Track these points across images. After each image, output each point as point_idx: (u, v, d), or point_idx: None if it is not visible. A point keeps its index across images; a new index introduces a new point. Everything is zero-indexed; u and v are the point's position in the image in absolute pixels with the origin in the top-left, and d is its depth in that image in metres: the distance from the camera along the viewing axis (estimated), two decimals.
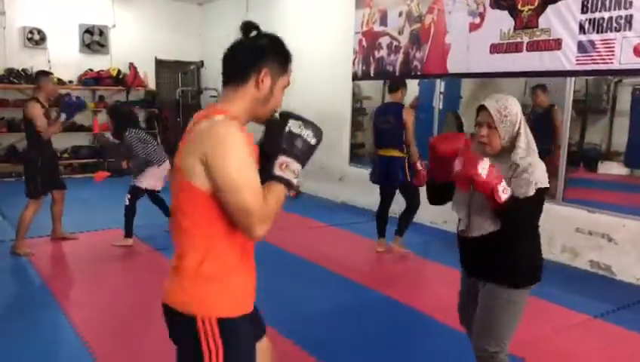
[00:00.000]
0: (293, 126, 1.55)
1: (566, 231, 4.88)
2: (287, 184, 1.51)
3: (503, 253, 2.15)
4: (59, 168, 5.45)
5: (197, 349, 1.52)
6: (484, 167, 1.94)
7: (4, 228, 5.63)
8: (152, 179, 5.19)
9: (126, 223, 5.10)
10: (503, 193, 1.97)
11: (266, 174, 1.51)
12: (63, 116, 4.83)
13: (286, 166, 1.51)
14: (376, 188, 6.88)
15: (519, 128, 2.12)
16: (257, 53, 1.56)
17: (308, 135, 1.56)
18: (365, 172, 7.24)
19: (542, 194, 2.08)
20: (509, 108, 2.10)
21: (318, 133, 1.59)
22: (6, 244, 5.01)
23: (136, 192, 5.15)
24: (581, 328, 3.63)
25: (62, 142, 8.59)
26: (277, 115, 1.62)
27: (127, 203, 5.09)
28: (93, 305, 3.83)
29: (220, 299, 1.55)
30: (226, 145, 1.42)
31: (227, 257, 1.55)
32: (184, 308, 1.55)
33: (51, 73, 5.14)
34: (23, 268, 4.54)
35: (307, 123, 1.58)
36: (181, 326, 1.58)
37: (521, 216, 2.08)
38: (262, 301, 4.10)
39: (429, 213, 5.89)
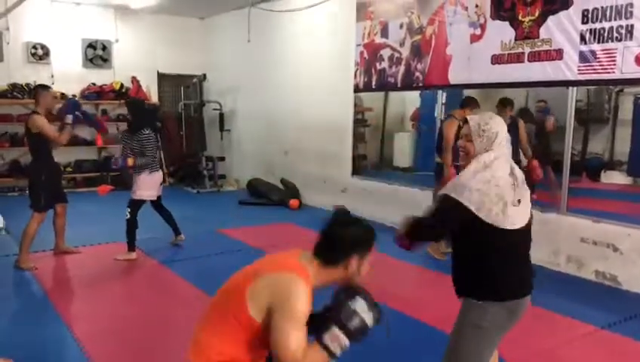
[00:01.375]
0: (359, 305, 1.83)
1: (571, 242, 4.86)
2: (331, 354, 1.78)
3: (458, 268, 2.25)
4: (62, 182, 5.45)
5: None
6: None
7: (8, 243, 5.62)
8: (146, 188, 5.19)
9: (128, 237, 5.10)
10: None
11: (315, 331, 1.80)
12: (70, 117, 4.82)
13: (336, 339, 1.78)
14: (379, 199, 6.87)
15: (494, 147, 2.15)
16: (351, 245, 1.87)
17: (368, 318, 1.83)
18: (367, 183, 7.26)
19: (447, 202, 2.10)
20: (489, 125, 2.16)
21: (378, 316, 1.86)
22: (10, 259, 5.00)
23: (134, 205, 5.15)
24: (588, 339, 3.60)
25: (65, 156, 8.61)
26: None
27: (128, 216, 5.09)
28: (96, 318, 3.81)
29: None
30: (292, 311, 1.73)
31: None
32: None
33: (50, 87, 5.14)
34: (26, 283, 4.53)
35: (372, 306, 1.85)
36: None
37: (463, 246, 2.20)
38: None
39: None
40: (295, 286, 1.76)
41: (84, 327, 3.59)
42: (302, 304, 1.74)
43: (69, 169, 9.10)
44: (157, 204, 5.47)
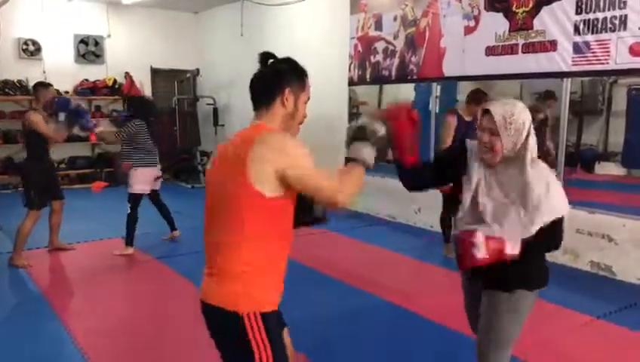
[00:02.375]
0: (362, 121, 1.89)
1: (566, 233, 4.81)
2: (363, 163, 1.81)
3: (516, 263, 2.02)
4: (58, 179, 5.42)
5: (246, 345, 1.66)
6: (480, 246, 1.90)
7: (1, 240, 5.59)
8: (138, 182, 5.18)
9: (127, 232, 5.10)
10: (513, 250, 1.94)
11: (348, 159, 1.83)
12: (62, 115, 4.77)
13: (360, 150, 1.82)
14: (374, 192, 6.88)
15: (527, 138, 2.00)
16: (279, 77, 1.79)
17: (377, 126, 1.86)
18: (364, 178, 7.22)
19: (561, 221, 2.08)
20: (515, 115, 1.98)
21: (385, 126, 1.88)
22: (3, 256, 4.97)
23: (133, 200, 5.14)
24: (584, 329, 3.61)
25: (59, 152, 8.56)
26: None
27: (129, 211, 5.09)
28: (92, 315, 3.79)
29: (261, 296, 1.71)
30: (295, 148, 1.68)
31: (270, 260, 1.74)
32: (229, 306, 1.68)
33: (50, 85, 5.09)
34: (20, 280, 4.51)
35: (376, 120, 1.89)
36: (227, 324, 1.70)
37: (548, 247, 2.14)
38: None
39: (429, 217, 5.89)
40: (277, 136, 1.70)
41: (80, 324, 3.57)
42: (297, 145, 1.69)
43: (62, 165, 9.05)
44: (154, 199, 5.46)
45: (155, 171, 5.36)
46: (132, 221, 5.11)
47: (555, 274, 4.62)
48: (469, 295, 2.41)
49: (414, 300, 4.03)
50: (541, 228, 2.02)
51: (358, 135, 1.85)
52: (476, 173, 2.11)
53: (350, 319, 3.73)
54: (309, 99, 1.86)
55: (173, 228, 5.62)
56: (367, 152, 1.83)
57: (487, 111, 2.03)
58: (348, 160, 1.83)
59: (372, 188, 6.93)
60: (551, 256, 5.15)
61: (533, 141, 2.02)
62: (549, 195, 1.99)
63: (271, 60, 1.85)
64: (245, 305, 1.67)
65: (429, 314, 3.71)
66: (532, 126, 2.04)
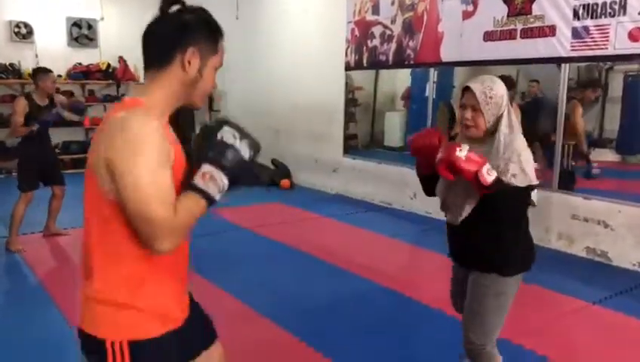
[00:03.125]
0: (226, 134, 1.35)
1: (562, 219, 4.88)
2: (207, 198, 1.31)
3: (491, 241, 2.11)
4: (58, 164, 5.36)
5: None
6: (462, 152, 1.89)
7: None
8: None
9: None
10: (488, 174, 1.89)
11: (186, 184, 1.33)
12: (36, 126, 4.68)
13: (210, 177, 1.31)
14: (370, 179, 6.87)
15: (503, 110, 2.06)
16: (182, 30, 1.34)
17: (242, 147, 1.36)
18: (359, 163, 7.23)
19: (530, 190, 2.05)
20: (494, 90, 2.05)
21: (254, 147, 1.39)
22: None
23: None
24: (580, 314, 3.63)
25: (52, 137, 8.44)
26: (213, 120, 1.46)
27: None
28: None
29: (133, 320, 1.35)
30: (136, 144, 1.21)
31: (140, 272, 1.34)
32: (92, 330, 1.36)
33: (50, 71, 4.99)
34: (16, 265, 4.48)
35: (244, 134, 1.38)
36: (91, 352, 1.39)
37: (507, 204, 2.03)
38: (258, 293, 4.09)
39: (424, 203, 5.88)
40: (135, 119, 1.24)
41: (76, 308, 3.55)
42: (152, 138, 1.23)
43: (56, 150, 8.94)
44: None
45: None
46: None
47: (551, 260, 4.68)
48: (456, 280, 2.44)
49: (411, 286, 4.04)
50: (513, 197, 2.02)
51: (216, 154, 1.34)
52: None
53: (347, 305, 3.73)
54: (220, 66, 1.43)
55: None
56: (218, 185, 1.32)
57: (467, 89, 2.10)
58: (190, 186, 1.32)
59: (370, 175, 6.93)
60: (545, 242, 5.19)
61: (509, 114, 2.08)
62: (520, 159, 2.01)
63: (176, 7, 1.37)
64: (108, 329, 1.34)
65: (426, 299, 3.72)
66: (509, 101, 2.10)
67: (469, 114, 2.08)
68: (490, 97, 2.04)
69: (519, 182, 1.98)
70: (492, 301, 2.13)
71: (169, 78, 1.35)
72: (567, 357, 3.01)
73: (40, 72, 4.86)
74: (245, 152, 1.37)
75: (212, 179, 1.31)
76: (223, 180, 1.33)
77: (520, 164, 1.99)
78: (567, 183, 5.10)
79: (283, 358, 3.00)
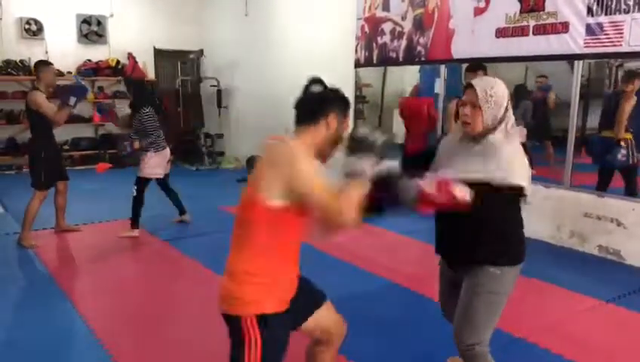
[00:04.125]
0: (362, 130, 1.88)
1: (574, 216, 4.85)
2: (361, 176, 1.80)
3: (481, 236, 2.08)
4: (62, 159, 5.39)
5: (240, 339, 1.82)
6: (431, 185, 1.87)
7: (8, 221, 5.58)
8: (152, 166, 5.15)
9: (133, 214, 5.08)
10: (462, 192, 1.85)
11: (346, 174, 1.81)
12: (73, 100, 4.66)
13: (356, 163, 1.82)
14: None
15: (505, 113, 2.06)
16: (326, 102, 1.93)
17: (375, 136, 1.85)
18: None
19: (516, 191, 2.02)
20: (495, 89, 2.05)
21: (387, 135, 1.88)
22: (10, 237, 4.97)
23: (140, 183, 5.11)
24: (593, 312, 3.61)
25: (62, 134, 8.46)
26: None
27: (135, 193, 5.07)
28: (102, 296, 3.80)
29: (262, 299, 1.84)
30: (300, 162, 1.74)
31: (273, 264, 1.86)
32: (230, 309, 1.85)
33: (51, 63, 5.03)
34: (29, 260, 4.50)
35: (375, 128, 1.90)
36: (230, 324, 1.87)
37: (495, 206, 2.03)
38: None
39: None
40: (292, 149, 1.79)
41: (90, 305, 3.58)
42: (307, 161, 1.76)
43: (66, 147, 9.01)
44: (163, 183, 5.42)
45: (167, 154, 5.31)
46: (138, 204, 5.08)
47: (563, 258, 4.67)
48: (444, 280, 2.43)
49: (424, 283, 4.02)
50: (502, 196, 2.02)
51: (356, 147, 1.85)
52: (447, 143, 2.27)
53: (359, 302, 3.72)
54: (348, 126, 1.98)
55: (182, 211, 5.59)
56: (366, 165, 1.83)
57: (469, 86, 2.11)
58: (347, 175, 1.83)
59: None
60: (558, 240, 5.16)
61: (509, 117, 2.08)
62: (510, 168, 2.00)
63: (318, 86, 1.98)
64: (244, 308, 1.82)
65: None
66: (510, 104, 2.10)
67: (467, 110, 2.09)
68: (491, 95, 2.04)
69: (505, 182, 1.98)
70: (483, 299, 2.11)
71: (316, 132, 1.91)
72: (583, 355, 2.99)
73: (42, 65, 4.88)
74: (378, 136, 1.87)
75: (360, 163, 1.82)
76: (366, 161, 1.83)
77: (509, 171, 1.98)
78: (630, 182, 5.03)
79: (298, 356, 3.00)
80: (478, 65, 4.73)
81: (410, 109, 1.83)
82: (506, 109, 2.07)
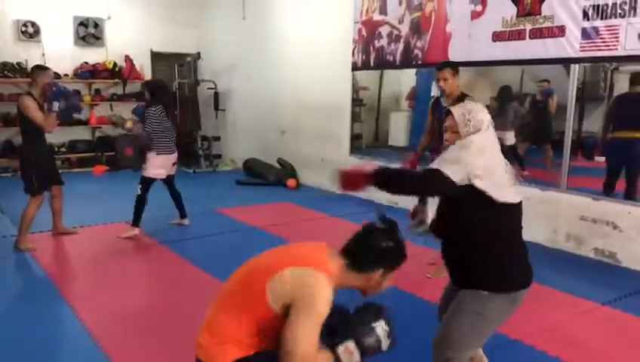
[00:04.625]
0: (380, 329, 1.87)
1: (570, 220, 4.87)
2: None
3: (468, 256, 2.13)
4: (55, 163, 5.36)
5: None
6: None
7: (4, 224, 5.56)
8: (155, 167, 5.16)
9: (135, 212, 5.09)
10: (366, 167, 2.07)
11: (328, 338, 1.80)
12: (56, 105, 4.60)
13: (350, 354, 1.81)
14: None
15: (479, 132, 2.11)
16: (381, 257, 1.89)
17: (384, 343, 1.87)
18: (365, 162, 7.22)
19: (474, 189, 2.01)
20: (473, 113, 2.14)
21: (392, 346, 1.90)
22: (7, 240, 4.96)
23: (145, 182, 5.12)
24: (589, 315, 3.63)
25: (59, 136, 8.51)
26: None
27: (139, 192, 5.10)
28: (100, 299, 3.79)
29: None
30: (313, 305, 1.72)
31: (263, 345, 1.83)
32: None
33: (48, 68, 5.00)
34: (26, 264, 4.49)
35: (391, 332, 1.89)
36: None
37: (472, 215, 2.07)
38: None
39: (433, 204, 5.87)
40: (320, 285, 1.75)
41: (88, 308, 3.57)
42: (324, 305, 1.74)
43: (62, 149, 9.00)
44: (169, 184, 5.44)
45: (173, 157, 5.33)
46: (141, 203, 5.10)
47: (559, 261, 4.68)
48: (446, 288, 2.49)
49: (421, 286, 4.04)
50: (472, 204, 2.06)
51: (364, 338, 1.87)
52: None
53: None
54: (393, 278, 1.96)
55: (183, 215, 5.60)
56: (353, 359, 1.85)
57: (448, 112, 2.20)
58: (333, 350, 1.83)
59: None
60: (554, 243, 5.18)
61: (481, 135, 2.12)
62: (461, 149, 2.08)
63: (384, 228, 1.93)
64: None
65: (436, 299, 3.71)
66: (490, 126, 2.15)
67: (447, 135, 2.19)
68: (469, 120, 2.12)
69: (445, 166, 2.01)
70: (467, 318, 2.11)
71: (356, 279, 1.89)
72: (579, 358, 3.00)
73: (38, 69, 4.86)
74: (384, 346, 1.88)
75: (352, 356, 1.82)
76: (358, 358, 1.83)
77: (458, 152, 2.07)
78: (635, 183, 5.02)
79: None
80: (445, 63, 4.68)
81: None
82: (481, 130, 2.11)
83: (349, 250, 1.91)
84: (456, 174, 1.98)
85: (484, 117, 2.14)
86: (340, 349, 1.79)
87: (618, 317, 3.60)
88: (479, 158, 2.03)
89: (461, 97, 3.92)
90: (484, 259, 2.10)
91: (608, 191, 5.02)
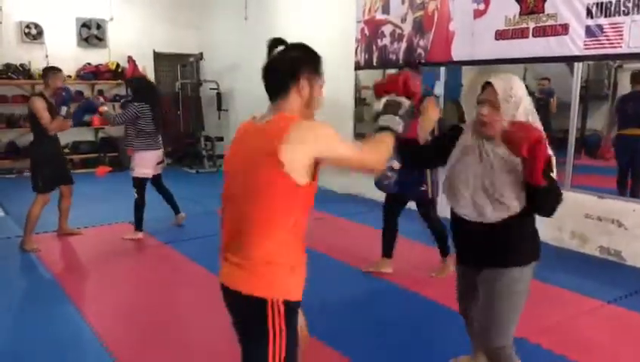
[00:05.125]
0: (388, 97, 1.93)
1: (575, 218, 4.86)
2: (391, 129, 1.85)
3: (508, 233, 2.08)
4: (66, 163, 5.38)
5: (264, 328, 1.65)
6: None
7: (9, 225, 5.58)
8: (138, 166, 5.15)
9: (135, 217, 5.10)
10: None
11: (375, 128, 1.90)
12: (64, 109, 4.69)
13: (386, 120, 1.87)
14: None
15: (520, 111, 2.02)
16: (292, 66, 1.74)
17: (401, 100, 1.91)
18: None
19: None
20: (514, 89, 2.02)
21: (408, 106, 1.91)
22: (12, 241, 4.97)
23: (138, 186, 5.12)
24: (595, 314, 3.62)
25: (62, 137, 8.41)
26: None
27: (136, 196, 5.09)
28: (105, 299, 3.80)
29: (288, 283, 1.71)
30: (329, 135, 1.68)
31: (295, 246, 1.74)
32: (255, 291, 1.67)
33: (60, 70, 5.00)
34: (32, 264, 4.51)
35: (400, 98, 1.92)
36: (250, 308, 1.68)
37: (552, 199, 2.03)
38: None
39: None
40: (307, 124, 1.69)
41: (94, 308, 3.58)
42: (326, 128, 1.69)
43: (66, 150, 8.98)
44: (156, 183, 5.43)
45: (157, 155, 5.30)
46: (139, 206, 5.10)
47: (564, 259, 4.67)
48: (464, 282, 2.43)
49: (424, 284, 4.04)
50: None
51: (384, 110, 1.91)
52: (464, 140, 2.19)
53: (362, 303, 3.74)
54: (323, 84, 1.82)
55: (177, 211, 5.61)
56: (394, 121, 1.88)
57: (488, 84, 2.06)
58: (378, 130, 1.88)
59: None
60: (559, 241, 5.16)
61: (526, 115, 2.04)
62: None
63: (281, 47, 1.79)
64: (271, 291, 1.67)
65: (439, 298, 3.71)
66: (531, 103, 2.07)
67: (485, 110, 2.04)
68: (511, 96, 2.01)
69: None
70: (507, 299, 2.11)
71: (291, 102, 1.74)
72: (585, 356, 2.99)
73: (51, 71, 4.89)
74: (406, 103, 1.92)
75: (389, 118, 1.88)
76: (398, 118, 1.88)
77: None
78: None
79: (302, 357, 3.00)
80: (406, 62, 4.66)
81: (384, 89, 1.81)
82: (520, 110, 2.02)
83: (269, 88, 1.80)
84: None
85: (524, 93, 2.05)
86: (379, 121, 1.90)
87: (623, 316, 3.59)
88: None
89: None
90: (520, 234, 2.11)
91: (622, 189, 5.03)
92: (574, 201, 4.87)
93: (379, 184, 4.04)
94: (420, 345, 3.15)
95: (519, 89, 2.04)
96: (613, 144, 5.59)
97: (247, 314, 1.71)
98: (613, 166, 6.65)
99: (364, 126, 8.71)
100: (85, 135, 9.42)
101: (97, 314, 3.46)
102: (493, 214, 2.07)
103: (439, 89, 6.39)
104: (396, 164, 3.88)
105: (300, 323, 1.90)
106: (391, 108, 1.90)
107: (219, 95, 9.69)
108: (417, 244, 5.06)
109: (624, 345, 3.18)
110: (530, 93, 6.15)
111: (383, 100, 1.94)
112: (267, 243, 1.67)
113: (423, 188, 4.15)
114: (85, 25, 9.29)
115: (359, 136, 8.05)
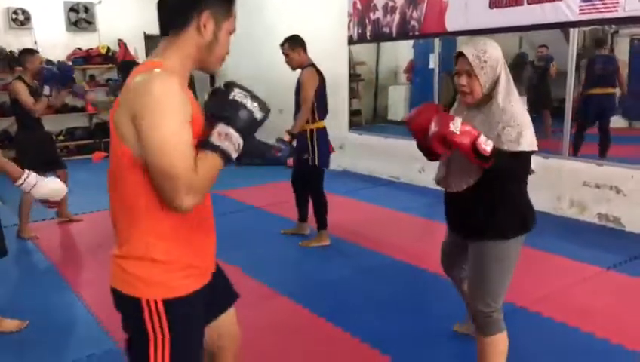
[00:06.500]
0: (238, 95, 1.40)
1: (573, 186, 4.85)
2: (224, 156, 1.35)
3: (490, 208, 2.08)
4: (56, 148, 5.32)
5: (141, 330, 1.44)
6: (455, 125, 1.85)
7: (5, 214, 5.53)
8: None
9: None
10: (486, 145, 1.86)
11: (203, 143, 1.36)
12: (47, 89, 4.60)
13: (226, 136, 1.34)
14: (377, 154, 6.80)
15: (499, 73, 2.02)
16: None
17: (254, 107, 1.40)
18: (365, 138, 7.18)
19: (529, 156, 2.04)
20: (488, 53, 2.00)
21: (264, 108, 1.43)
22: (9, 229, 4.92)
23: None
24: (594, 280, 3.63)
25: (56, 124, 8.45)
26: (222, 84, 1.47)
27: None
28: (103, 283, 3.76)
29: (167, 279, 1.42)
30: (160, 104, 1.26)
31: (175, 237, 1.42)
32: (128, 289, 1.45)
33: (37, 51, 4.93)
34: (29, 252, 4.50)
35: (254, 96, 1.43)
36: (127, 308, 1.49)
37: (506, 172, 2.02)
38: (272, 271, 4.09)
39: (432, 176, 5.85)
40: (159, 79, 1.28)
41: (93, 293, 3.57)
42: (164, 94, 1.26)
43: (60, 137, 8.94)
44: None
45: None
46: None
47: (564, 228, 4.67)
48: (448, 240, 2.52)
49: (424, 257, 4.03)
50: (511, 163, 2.01)
51: (230, 114, 1.38)
52: (454, 112, 2.20)
53: (361, 279, 3.74)
54: (234, 30, 1.48)
55: None
56: (234, 144, 1.37)
57: (460, 54, 2.04)
58: (206, 144, 1.35)
59: (377, 149, 6.89)
60: (557, 210, 5.15)
61: (506, 77, 2.04)
62: (518, 123, 1.98)
63: None
64: (145, 290, 1.42)
65: (440, 270, 3.71)
66: (505, 63, 2.05)
67: (464, 80, 2.05)
68: (485, 61, 2.00)
69: (516, 147, 1.95)
70: (495, 267, 2.11)
71: (185, 42, 1.40)
72: (586, 322, 3.00)
73: (27, 54, 4.80)
74: (257, 112, 1.41)
75: (228, 137, 1.35)
76: (238, 139, 1.37)
77: (518, 128, 1.96)
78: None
79: (304, 334, 3.01)
80: (285, 40, 4.68)
81: (418, 129, 1.81)
82: (500, 69, 2.02)
83: (162, 24, 1.44)
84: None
85: (499, 55, 2.02)
86: (213, 138, 1.34)
87: (624, 281, 3.60)
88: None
89: (309, 66, 4.44)
90: (507, 206, 2.09)
91: (578, 140, 5.53)
92: (572, 169, 4.86)
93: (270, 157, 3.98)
94: (422, 318, 3.15)
95: (493, 50, 2.02)
96: (582, 102, 5.88)
97: (125, 314, 1.52)
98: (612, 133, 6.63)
99: (359, 102, 8.67)
100: (79, 121, 9.34)
101: (97, 299, 3.45)
102: (455, 183, 2.13)
103: (433, 62, 6.32)
104: (287, 137, 4.04)
105: (226, 319, 1.72)
106: (236, 112, 1.40)
107: (212, 77, 9.58)
108: (416, 218, 5.05)
109: (625, 310, 3.18)
110: (529, 61, 6.11)
111: (231, 94, 1.41)
112: (135, 235, 1.42)
113: (305, 156, 4.26)
114: (73, 9, 9.13)
115: (355, 113, 8.01)
